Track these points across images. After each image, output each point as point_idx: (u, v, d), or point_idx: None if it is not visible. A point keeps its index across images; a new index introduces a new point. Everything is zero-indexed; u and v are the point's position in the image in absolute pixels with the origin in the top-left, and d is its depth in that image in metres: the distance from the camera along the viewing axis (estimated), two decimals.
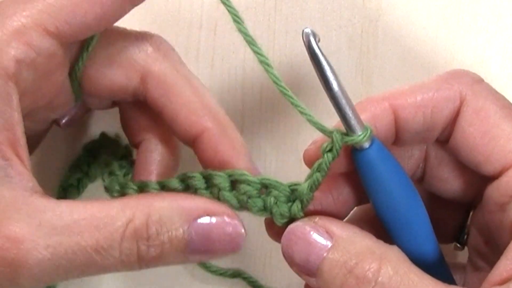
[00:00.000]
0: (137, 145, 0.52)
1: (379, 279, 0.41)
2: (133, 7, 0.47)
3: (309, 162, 0.46)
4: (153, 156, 0.51)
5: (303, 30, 0.42)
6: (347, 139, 0.43)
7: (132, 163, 0.53)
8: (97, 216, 0.42)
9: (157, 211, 0.43)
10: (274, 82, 0.45)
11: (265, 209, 0.46)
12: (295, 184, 0.46)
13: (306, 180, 0.45)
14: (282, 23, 0.59)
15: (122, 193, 0.49)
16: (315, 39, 0.41)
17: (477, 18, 0.59)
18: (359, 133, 0.43)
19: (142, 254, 0.43)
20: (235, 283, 0.59)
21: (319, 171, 0.44)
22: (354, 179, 0.47)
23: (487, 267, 0.42)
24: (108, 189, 0.50)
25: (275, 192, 0.46)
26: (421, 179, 0.50)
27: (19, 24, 0.43)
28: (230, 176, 0.46)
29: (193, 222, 0.44)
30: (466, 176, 0.48)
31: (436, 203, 0.50)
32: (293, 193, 0.46)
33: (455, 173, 0.48)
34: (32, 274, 0.41)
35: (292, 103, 0.44)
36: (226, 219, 0.44)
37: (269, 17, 0.59)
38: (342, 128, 0.44)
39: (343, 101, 0.42)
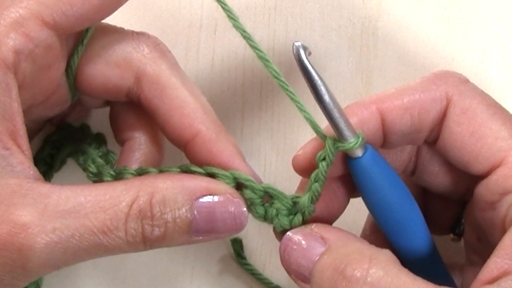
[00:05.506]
0: (122, 142, 0.52)
1: (368, 279, 0.40)
2: None
3: (297, 168, 0.46)
4: (136, 156, 0.51)
5: (293, 44, 0.42)
6: (339, 145, 0.43)
7: (108, 152, 0.53)
8: (102, 198, 0.43)
9: (161, 190, 0.44)
10: (274, 76, 0.45)
11: (265, 218, 0.47)
12: (297, 197, 0.46)
13: (306, 192, 0.45)
14: (282, 23, 0.59)
15: (117, 179, 0.48)
16: (305, 52, 0.42)
17: (477, 18, 0.59)
18: (351, 141, 0.43)
19: (147, 234, 0.43)
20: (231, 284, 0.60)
21: (317, 181, 0.45)
22: (347, 176, 0.47)
23: (482, 262, 0.42)
24: (98, 174, 0.49)
25: (277, 205, 0.46)
26: (412, 173, 0.50)
27: (17, 15, 0.43)
28: (235, 178, 0.46)
29: (195, 201, 0.44)
30: (456, 172, 0.48)
31: (432, 194, 0.50)
32: (294, 206, 0.46)
33: (446, 168, 0.48)
34: (40, 258, 0.41)
35: (291, 99, 0.45)
36: (229, 197, 0.45)
37: (269, 17, 0.59)
38: (334, 133, 0.44)
39: (334, 112, 0.43)
